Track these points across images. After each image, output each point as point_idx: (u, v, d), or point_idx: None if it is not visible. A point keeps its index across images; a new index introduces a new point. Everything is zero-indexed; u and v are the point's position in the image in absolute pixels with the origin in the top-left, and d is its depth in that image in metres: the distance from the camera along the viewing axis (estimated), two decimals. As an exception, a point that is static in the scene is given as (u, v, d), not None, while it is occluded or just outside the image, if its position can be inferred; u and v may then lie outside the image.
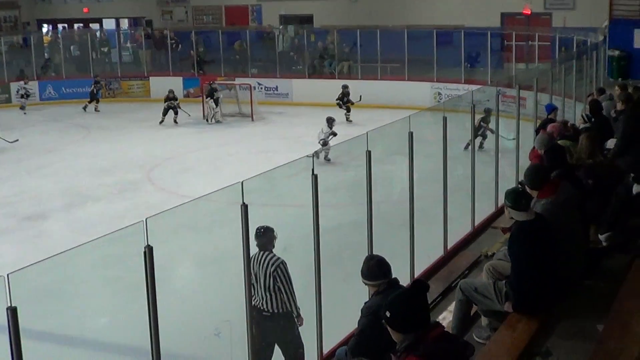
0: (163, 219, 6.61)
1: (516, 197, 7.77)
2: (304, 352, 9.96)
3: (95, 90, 36.75)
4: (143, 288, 6.48)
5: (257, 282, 9.73)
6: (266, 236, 9.88)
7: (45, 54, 43.57)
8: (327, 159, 24.19)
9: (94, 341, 13.15)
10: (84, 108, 36.25)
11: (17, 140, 27.53)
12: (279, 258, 9.90)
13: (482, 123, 22.82)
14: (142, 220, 6.18)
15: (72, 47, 43.08)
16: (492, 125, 21.17)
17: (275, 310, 9.90)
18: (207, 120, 33.28)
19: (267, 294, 9.84)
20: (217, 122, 33.22)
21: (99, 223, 19.05)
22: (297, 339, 10.05)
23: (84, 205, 21.56)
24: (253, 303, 9.64)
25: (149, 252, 6.33)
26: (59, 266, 6.38)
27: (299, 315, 10.01)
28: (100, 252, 11.29)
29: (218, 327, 10.33)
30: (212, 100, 33.38)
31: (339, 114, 30.54)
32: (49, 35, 47.16)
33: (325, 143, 24.65)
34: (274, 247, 9.99)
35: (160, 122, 32.72)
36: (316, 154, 23.26)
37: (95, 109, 36.37)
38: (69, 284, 13.95)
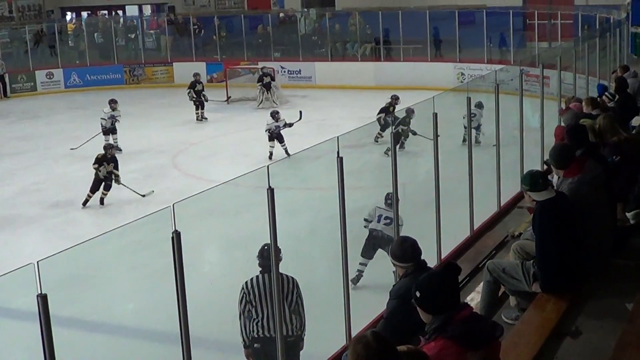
0: (190, 204, 6.63)
1: (533, 179, 7.73)
2: None
3: (195, 94, 31.59)
4: (170, 273, 6.50)
5: (280, 307, 8.92)
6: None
7: (70, 42, 43.68)
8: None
9: (122, 327, 13.23)
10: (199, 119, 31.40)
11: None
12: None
13: (401, 126, 22.48)
14: (170, 206, 6.19)
15: (95, 35, 43.14)
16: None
17: (298, 333, 9.62)
18: (258, 105, 32.97)
19: (294, 316, 9.52)
20: (272, 106, 32.71)
21: (126, 209, 19.17)
22: None
23: (111, 192, 21.64)
24: (267, 334, 9.39)
25: (176, 237, 6.34)
26: (87, 253, 6.41)
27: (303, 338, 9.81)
28: (128, 238, 11.37)
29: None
30: (261, 85, 33.22)
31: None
32: (72, 23, 47.26)
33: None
34: None
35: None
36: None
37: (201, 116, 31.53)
38: (97, 270, 14.02)
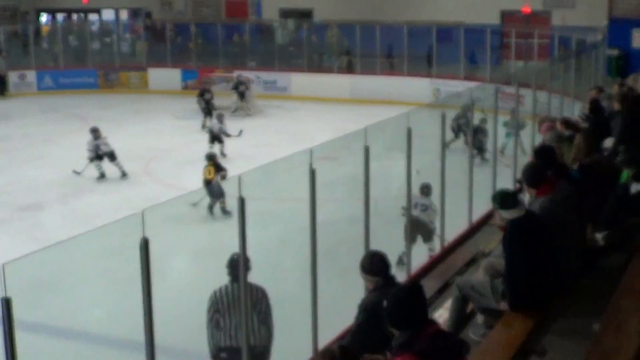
0: (160, 211, 6.59)
1: (503, 198, 7.84)
2: None
3: (205, 103, 31.29)
4: (138, 280, 6.46)
5: (248, 316, 8.90)
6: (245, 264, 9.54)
7: (44, 44, 43.46)
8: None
9: (88, 333, 13.15)
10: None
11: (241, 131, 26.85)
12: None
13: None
14: (139, 212, 6.15)
15: (70, 38, 42.89)
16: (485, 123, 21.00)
17: (265, 344, 9.60)
18: (233, 112, 32.86)
19: (262, 326, 9.51)
20: (247, 115, 33.12)
21: (95, 214, 19.03)
22: None
23: (81, 196, 21.57)
24: (234, 343, 9.31)
25: (145, 244, 6.31)
26: (55, 257, 6.37)
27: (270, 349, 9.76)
28: (96, 244, 11.28)
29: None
30: (236, 92, 33.28)
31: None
32: (47, 25, 47.01)
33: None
34: None
35: None
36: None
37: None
38: (64, 275, 13.94)
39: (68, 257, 10.29)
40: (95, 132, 23.99)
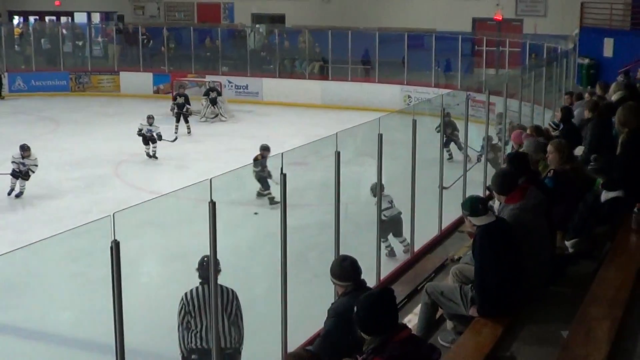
0: (130, 215, 6.57)
1: (472, 204, 7.78)
2: None
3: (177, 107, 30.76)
4: (108, 283, 6.43)
5: (219, 318, 9.00)
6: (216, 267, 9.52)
7: (16, 46, 43.25)
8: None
9: (56, 335, 13.07)
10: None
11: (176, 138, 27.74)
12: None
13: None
14: (110, 215, 6.13)
15: (42, 40, 42.68)
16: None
17: (236, 346, 9.61)
18: (201, 118, 32.92)
19: (233, 328, 9.51)
20: (220, 120, 33.27)
21: (66, 217, 18.95)
22: None
23: (51, 199, 21.43)
24: (205, 345, 9.33)
25: (115, 247, 6.28)
26: (24, 259, 6.33)
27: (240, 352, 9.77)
28: (66, 246, 11.23)
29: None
30: (206, 99, 33.15)
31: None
32: (19, 27, 46.78)
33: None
34: None
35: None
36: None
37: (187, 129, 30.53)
38: (34, 277, 13.86)
39: (38, 259, 10.25)
40: (25, 150, 22.04)
